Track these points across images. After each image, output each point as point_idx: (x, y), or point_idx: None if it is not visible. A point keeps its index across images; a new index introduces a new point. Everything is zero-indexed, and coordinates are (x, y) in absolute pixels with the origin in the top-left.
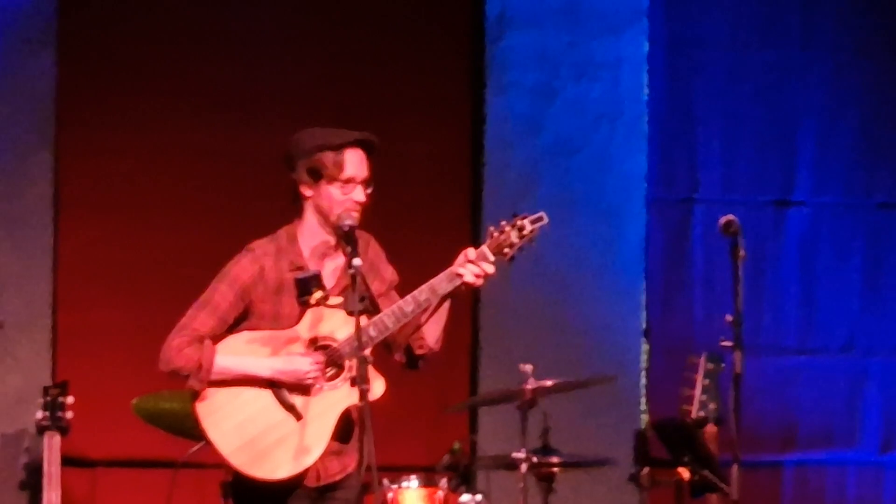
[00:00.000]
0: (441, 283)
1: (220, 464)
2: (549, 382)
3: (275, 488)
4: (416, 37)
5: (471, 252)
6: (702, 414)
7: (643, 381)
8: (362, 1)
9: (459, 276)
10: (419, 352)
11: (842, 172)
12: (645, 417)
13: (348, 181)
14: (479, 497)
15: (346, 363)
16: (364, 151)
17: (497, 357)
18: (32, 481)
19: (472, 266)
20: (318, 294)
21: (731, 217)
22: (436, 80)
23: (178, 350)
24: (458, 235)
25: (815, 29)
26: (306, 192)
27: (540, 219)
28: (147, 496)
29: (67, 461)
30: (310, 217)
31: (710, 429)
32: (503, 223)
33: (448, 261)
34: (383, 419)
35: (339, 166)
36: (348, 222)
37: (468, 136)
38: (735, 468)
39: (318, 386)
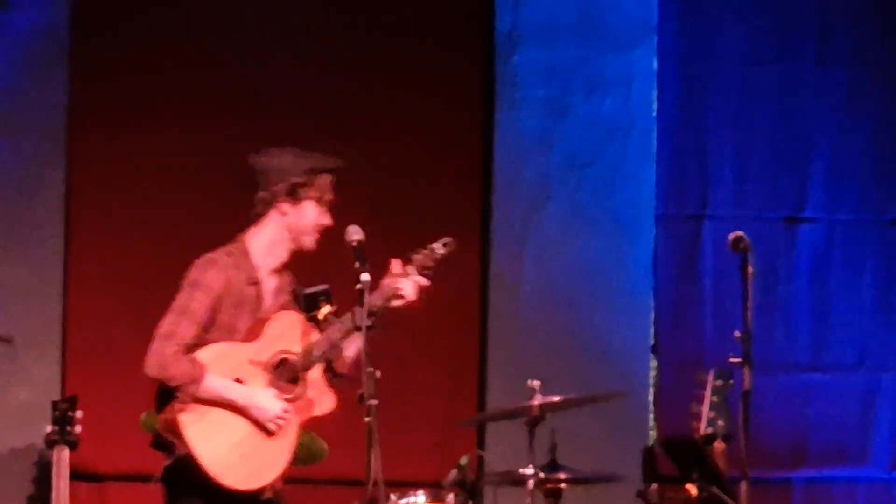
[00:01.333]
0: (376, 300)
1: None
2: (556, 398)
3: (228, 496)
4: (427, 52)
5: (398, 267)
6: (710, 430)
7: (652, 397)
8: (373, 16)
9: (398, 289)
10: (341, 370)
11: (854, 189)
12: (653, 434)
13: (328, 204)
14: None
15: (302, 377)
16: None
17: (505, 372)
18: (41, 495)
19: (407, 280)
20: (325, 309)
21: (740, 233)
22: (447, 95)
23: (174, 359)
24: (469, 250)
25: (829, 45)
26: (285, 208)
27: (448, 244)
28: None
29: (76, 475)
30: (273, 233)
31: (719, 445)
32: (420, 249)
33: (457, 276)
34: (391, 434)
35: (329, 189)
36: (356, 237)
37: (479, 151)
38: (744, 485)
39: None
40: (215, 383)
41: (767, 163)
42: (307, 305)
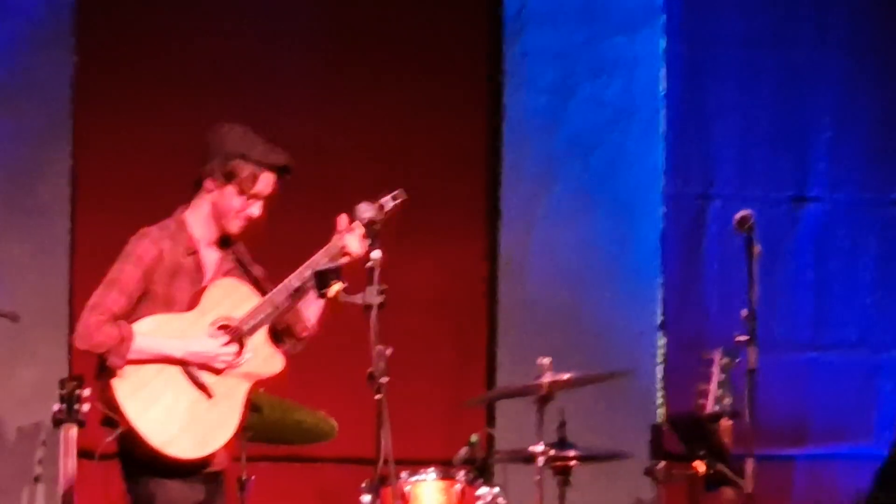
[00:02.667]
0: (321, 258)
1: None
2: (565, 376)
3: (179, 470)
4: (435, 33)
5: (343, 223)
6: (717, 408)
7: (659, 375)
8: None
9: (343, 246)
10: (303, 335)
11: (857, 169)
12: (661, 411)
13: (253, 196)
14: (496, 490)
15: (246, 341)
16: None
17: (514, 351)
18: (49, 474)
19: (352, 235)
20: (336, 286)
21: (746, 212)
22: (454, 77)
23: (97, 327)
24: (475, 232)
25: (830, 26)
26: (210, 186)
27: (397, 196)
28: None
29: (84, 454)
30: (204, 208)
31: (725, 423)
32: (366, 204)
33: (464, 256)
34: (401, 412)
35: (253, 181)
36: (368, 214)
37: (486, 133)
38: (749, 462)
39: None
40: (146, 341)
41: (771, 143)
42: (319, 283)
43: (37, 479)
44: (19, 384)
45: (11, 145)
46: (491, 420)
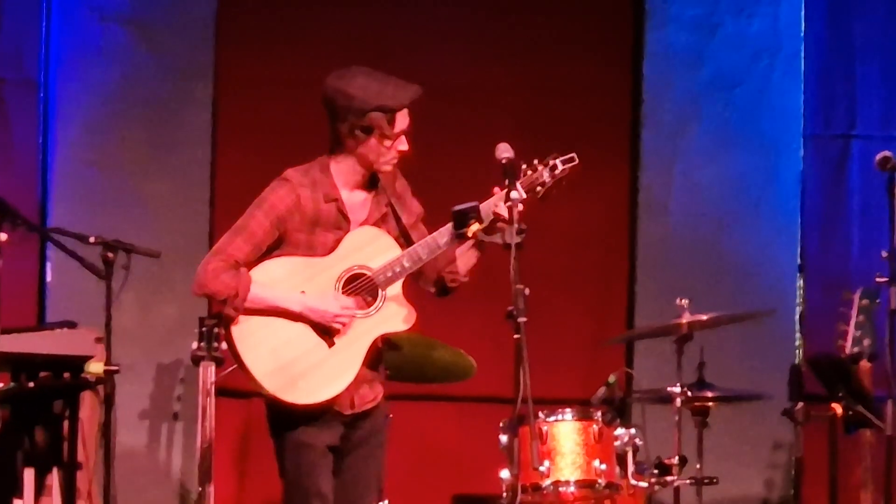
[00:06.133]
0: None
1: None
2: (704, 316)
3: (307, 413)
4: None
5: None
6: (856, 350)
7: (798, 315)
8: None
9: (496, 212)
10: (451, 284)
11: None
12: (800, 352)
13: (397, 136)
14: (633, 430)
15: (380, 292)
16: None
17: (653, 291)
18: (187, 412)
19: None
20: (475, 226)
21: (887, 153)
22: (596, 15)
23: (214, 275)
24: (617, 169)
25: None
26: (352, 144)
27: (571, 159)
28: None
29: (222, 392)
30: (349, 160)
31: (865, 365)
32: (536, 162)
33: (605, 194)
34: (540, 352)
35: (391, 124)
36: (506, 155)
37: (628, 71)
38: (889, 404)
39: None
40: (262, 292)
41: None
42: (456, 223)
43: (175, 417)
44: (159, 321)
45: (154, 82)
46: (630, 360)
